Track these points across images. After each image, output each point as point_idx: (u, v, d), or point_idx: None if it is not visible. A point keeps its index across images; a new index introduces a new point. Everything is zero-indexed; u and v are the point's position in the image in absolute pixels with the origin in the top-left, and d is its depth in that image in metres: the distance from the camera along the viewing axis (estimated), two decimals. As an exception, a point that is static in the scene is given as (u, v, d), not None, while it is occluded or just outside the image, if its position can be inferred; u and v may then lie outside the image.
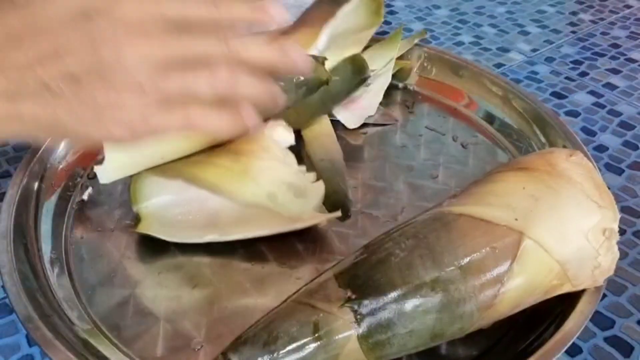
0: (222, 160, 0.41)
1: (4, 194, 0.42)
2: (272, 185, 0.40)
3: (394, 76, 0.56)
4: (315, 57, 0.44)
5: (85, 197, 0.46)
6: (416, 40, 0.58)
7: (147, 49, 0.22)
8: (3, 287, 0.37)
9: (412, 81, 0.59)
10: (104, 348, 0.35)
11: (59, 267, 0.41)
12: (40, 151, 0.46)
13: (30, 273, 0.38)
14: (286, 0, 0.68)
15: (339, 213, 0.42)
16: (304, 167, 0.43)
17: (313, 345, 0.30)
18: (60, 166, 0.47)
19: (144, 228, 0.41)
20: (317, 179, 0.43)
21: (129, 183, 0.42)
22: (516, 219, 0.32)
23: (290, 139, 0.43)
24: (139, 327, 0.37)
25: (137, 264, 0.41)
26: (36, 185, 0.44)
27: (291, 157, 0.42)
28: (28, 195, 0.43)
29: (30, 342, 0.38)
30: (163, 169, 0.41)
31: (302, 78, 0.43)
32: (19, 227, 0.40)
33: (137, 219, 0.41)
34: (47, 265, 0.40)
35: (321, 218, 0.42)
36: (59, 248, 0.42)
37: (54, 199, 0.45)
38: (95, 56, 0.21)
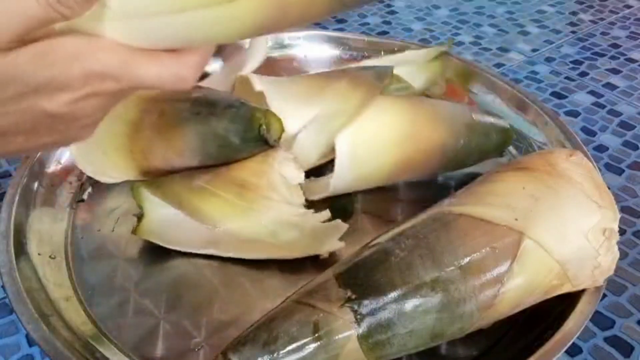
0: (226, 193, 0.40)
1: (4, 194, 0.42)
2: (275, 225, 0.39)
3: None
4: (271, 113, 0.42)
5: (85, 197, 0.46)
6: (443, 49, 0.56)
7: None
8: (3, 287, 0.37)
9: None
10: (104, 348, 0.35)
11: (59, 267, 0.41)
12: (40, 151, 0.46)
13: (30, 273, 0.38)
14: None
15: (342, 244, 0.40)
16: (311, 211, 0.41)
17: (313, 345, 0.30)
18: (60, 166, 0.47)
19: (143, 234, 0.41)
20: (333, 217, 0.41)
21: (130, 185, 0.42)
22: (516, 219, 0.32)
23: (300, 177, 0.41)
24: (139, 327, 0.37)
25: (137, 264, 0.41)
26: (36, 185, 0.44)
27: (298, 195, 0.41)
28: (28, 195, 0.43)
29: (30, 342, 0.38)
30: (164, 191, 0.40)
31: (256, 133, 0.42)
32: (19, 227, 0.40)
33: (137, 222, 0.41)
34: (47, 265, 0.40)
35: (323, 249, 0.40)
36: (59, 248, 0.42)
37: (53, 199, 0.45)
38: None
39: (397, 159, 0.43)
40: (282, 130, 0.42)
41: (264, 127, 0.41)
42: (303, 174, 0.42)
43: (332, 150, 0.42)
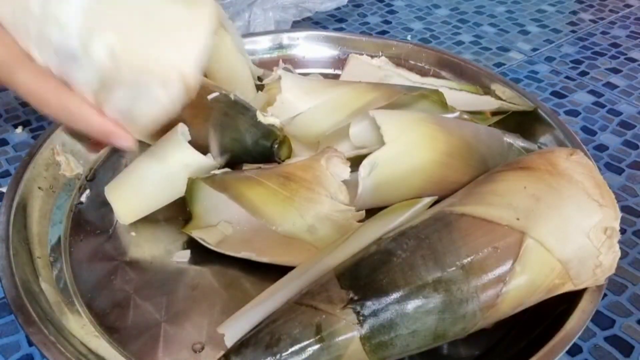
0: (270, 181, 0.40)
1: (3, 194, 0.42)
2: (315, 219, 0.39)
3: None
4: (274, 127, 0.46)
5: (83, 199, 0.46)
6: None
7: None
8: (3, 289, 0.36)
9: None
10: (105, 351, 0.35)
11: (58, 270, 0.40)
12: (40, 151, 0.45)
13: (30, 276, 0.38)
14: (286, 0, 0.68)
15: None
16: (353, 207, 0.40)
17: (315, 347, 0.30)
18: (59, 168, 0.47)
19: (192, 228, 0.42)
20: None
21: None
22: (518, 219, 0.32)
23: (346, 173, 0.41)
24: (140, 329, 0.37)
25: (136, 266, 0.41)
26: (35, 186, 0.44)
27: (344, 192, 0.40)
28: (27, 196, 0.43)
29: (30, 342, 0.38)
30: (213, 178, 0.41)
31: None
32: (18, 230, 0.40)
33: (188, 218, 0.42)
34: (46, 269, 0.40)
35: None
36: (58, 250, 0.42)
37: (52, 200, 0.45)
38: None
39: (422, 187, 0.42)
40: (289, 156, 0.46)
41: (277, 143, 0.45)
42: (349, 170, 0.41)
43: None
